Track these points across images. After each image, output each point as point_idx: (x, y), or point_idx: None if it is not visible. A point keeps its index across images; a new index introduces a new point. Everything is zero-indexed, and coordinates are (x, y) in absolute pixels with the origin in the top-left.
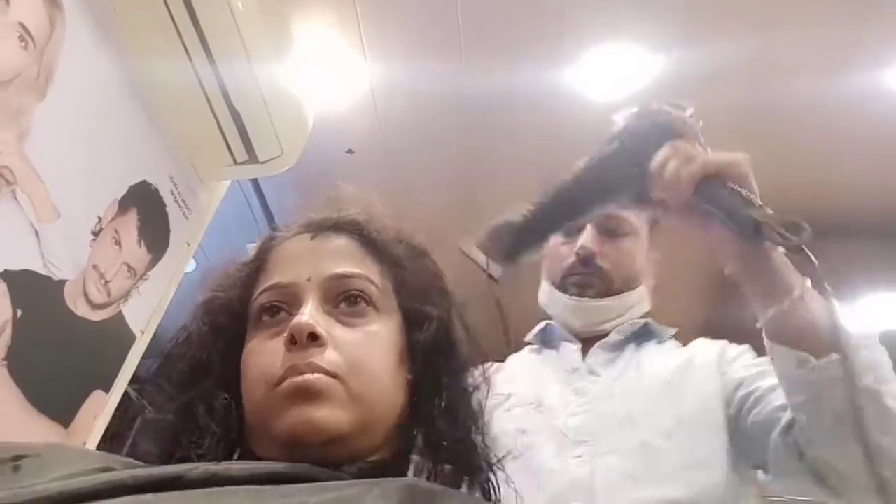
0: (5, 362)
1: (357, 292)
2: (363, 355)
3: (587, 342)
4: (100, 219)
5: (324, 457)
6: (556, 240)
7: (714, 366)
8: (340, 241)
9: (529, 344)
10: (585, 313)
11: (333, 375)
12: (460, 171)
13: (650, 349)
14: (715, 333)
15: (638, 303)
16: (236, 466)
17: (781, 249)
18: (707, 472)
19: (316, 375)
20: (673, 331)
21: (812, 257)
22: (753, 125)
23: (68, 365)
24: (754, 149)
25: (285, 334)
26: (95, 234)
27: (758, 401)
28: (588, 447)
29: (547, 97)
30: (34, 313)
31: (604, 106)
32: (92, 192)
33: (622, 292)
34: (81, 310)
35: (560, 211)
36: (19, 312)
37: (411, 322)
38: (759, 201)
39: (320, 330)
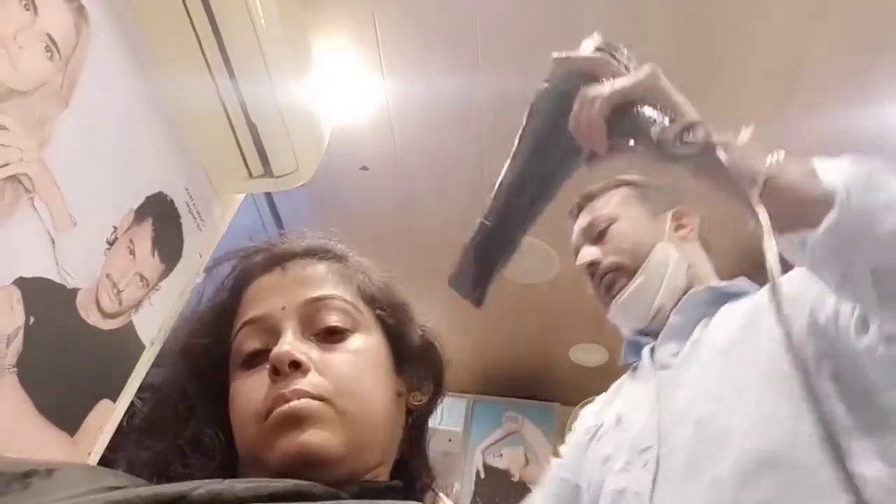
0: (15, 369)
1: (334, 317)
2: (348, 374)
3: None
4: (115, 228)
5: (321, 480)
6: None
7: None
8: (311, 268)
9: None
10: (630, 307)
11: (320, 398)
12: (475, 189)
13: (721, 315)
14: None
15: (667, 262)
16: (240, 485)
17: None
18: (780, 428)
19: (303, 401)
20: (743, 284)
21: (723, 154)
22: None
23: (77, 373)
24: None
25: (267, 366)
26: (110, 243)
27: (838, 305)
28: (652, 451)
29: None
30: (46, 321)
31: None
32: (108, 201)
33: (641, 266)
34: (93, 318)
35: (519, 210)
36: (31, 319)
37: (392, 335)
38: (679, 113)
39: (300, 356)
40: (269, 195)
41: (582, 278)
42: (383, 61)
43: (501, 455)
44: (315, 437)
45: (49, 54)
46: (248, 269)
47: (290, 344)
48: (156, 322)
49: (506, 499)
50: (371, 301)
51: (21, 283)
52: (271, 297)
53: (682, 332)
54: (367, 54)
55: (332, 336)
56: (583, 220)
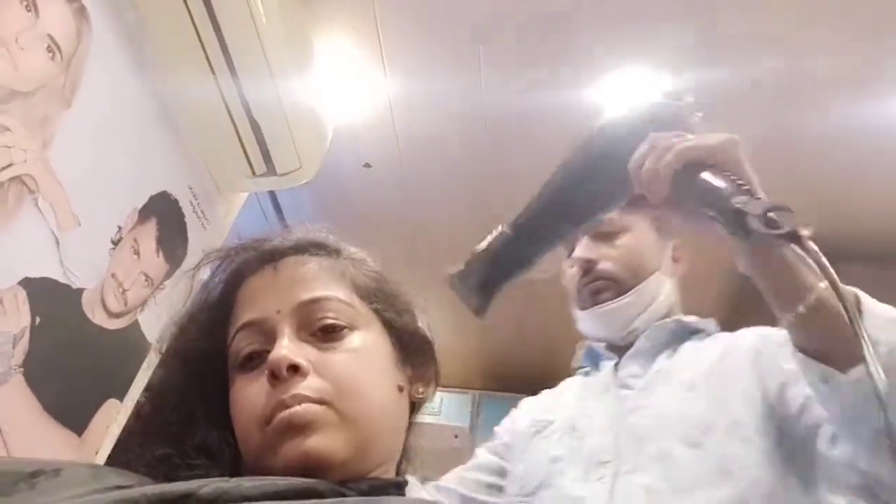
0: (22, 369)
1: (330, 316)
2: (348, 375)
3: (624, 352)
4: (119, 228)
5: (327, 480)
6: (564, 263)
7: (751, 362)
8: (302, 266)
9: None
10: (608, 319)
11: (321, 402)
12: (477, 186)
13: (687, 349)
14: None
15: (658, 293)
16: (247, 483)
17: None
18: (736, 483)
19: (304, 406)
20: (709, 323)
21: (811, 245)
22: (771, 150)
23: (84, 373)
24: (770, 174)
25: (266, 371)
26: (115, 243)
27: (809, 401)
28: (610, 467)
29: (565, 115)
30: (52, 321)
31: None
32: (112, 201)
33: (635, 287)
34: (98, 318)
35: (544, 230)
36: (37, 319)
37: (391, 328)
38: (752, 187)
39: (298, 360)
40: (272, 193)
41: (563, 263)
42: (385, 59)
43: None
44: (318, 443)
45: (51, 55)
46: (238, 268)
47: (287, 348)
48: (161, 321)
49: None
50: (366, 296)
51: (27, 283)
52: (265, 300)
53: (646, 356)
54: (369, 52)
55: (329, 335)
56: None
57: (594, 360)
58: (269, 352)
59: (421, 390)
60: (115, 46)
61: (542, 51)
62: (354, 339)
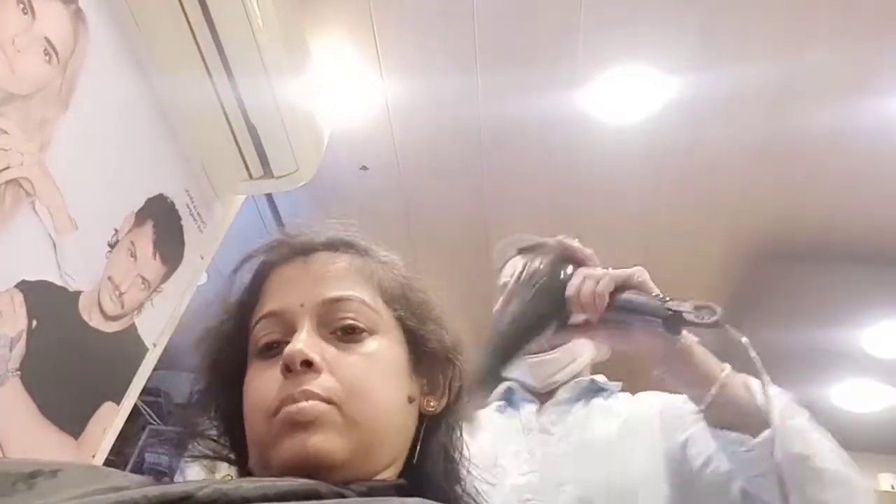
0: (19, 372)
1: (351, 317)
2: (360, 378)
3: (544, 399)
4: (116, 231)
5: (327, 481)
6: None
7: (656, 424)
8: (333, 263)
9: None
10: (538, 370)
11: (328, 401)
12: (474, 188)
13: (598, 405)
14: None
15: (581, 353)
16: (247, 485)
17: (696, 339)
18: None
19: (311, 403)
20: (618, 386)
21: (736, 333)
22: (770, 151)
23: (80, 376)
24: (771, 173)
25: (280, 362)
26: (112, 245)
27: (710, 459)
28: None
29: (562, 117)
30: (49, 324)
31: (619, 128)
32: (109, 203)
33: (564, 344)
34: (95, 321)
35: (502, 354)
36: (34, 323)
37: (412, 337)
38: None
39: (313, 356)
40: (269, 196)
41: (496, 292)
42: (381, 61)
43: None
44: (319, 442)
45: (47, 58)
46: (270, 258)
47: (304, 342)
48: (158, 324)
49: None
50: (391, 300)
51: (23, 286)
52: (291, 292)
53: (565, 406)
54: (366, 54)
55: (348, 336)
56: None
57: (511, 399)
58: (287, 343)
59: (432, 403)
60: (111, 49)
61: (538, 53)
62: (372, 344)
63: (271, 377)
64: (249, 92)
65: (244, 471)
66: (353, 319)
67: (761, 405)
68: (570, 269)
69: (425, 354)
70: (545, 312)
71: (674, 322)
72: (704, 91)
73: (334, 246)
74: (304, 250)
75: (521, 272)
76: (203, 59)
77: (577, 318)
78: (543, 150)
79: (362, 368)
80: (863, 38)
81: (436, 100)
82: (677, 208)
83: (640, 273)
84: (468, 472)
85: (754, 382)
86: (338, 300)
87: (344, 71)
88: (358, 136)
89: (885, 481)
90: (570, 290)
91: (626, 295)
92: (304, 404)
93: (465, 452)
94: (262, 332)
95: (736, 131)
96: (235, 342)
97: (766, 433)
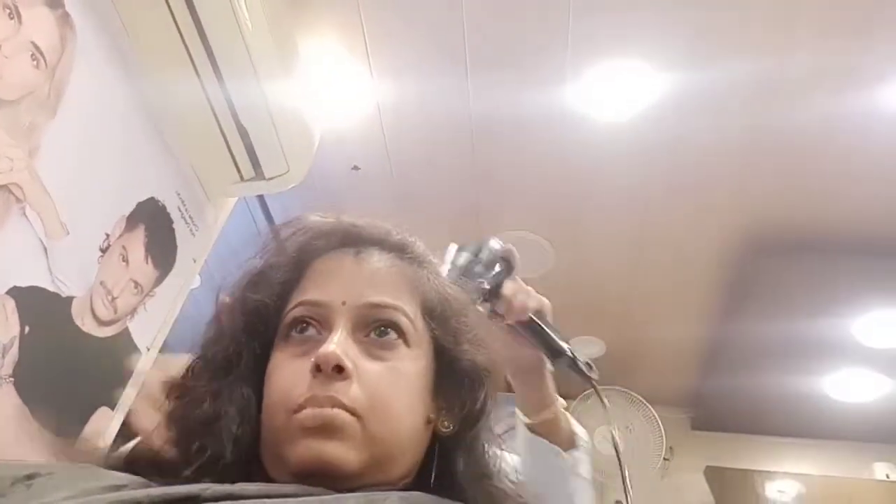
0: (12, 379)
1: (389, 324)
2: (386, 394)
3: None
4: (107, 235)
5: (334, 488)
6: None
7: None
8: (382, 264)
9: None
10: None
11: (352, 412)
12: (466, 187)
13: None
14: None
15: None
16: (251, 487)
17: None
18: None
19: (335, 411)
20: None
21: (602, 392)
22: (760, 144)
23: (74, 381)
24: (762, 166)
25: (311, 359)
26: (103, 250)
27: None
28: None
29: (553, 114)
30: (42, 330)
31: (610, 124)
32: (100, 208)
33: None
34: (88, 326)
35: None
36: (27, 329)
37: (443, 354)
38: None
39: (347, 363)
40: (261, 197)
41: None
42: (371, 61)
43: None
44: (335, 451)
45: (35, 63)
46: (321, 242)
47: (339, 346)
48: (152, 328)
49: None
50: (429, 314)
51: (15, 292)
52: (335, 285)
53: None
54: (356, 55)
55: (382, 346)
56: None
57: None
58: (318, 329)
59: (447, 424)
60: (99, 53)
61: (528, 51)
62: (402, 357)
63: (299, 371)
64: (239, 94)
65: (243, 471)
66: (392, 328)
67: (576, 432)
68: (501, 267)
69: (454, 373)
70: (476, 283)
71: (561, 358)
72: (695, 86)
73: (388, 246)
74: (359, 242)
75: (463, 259)
76: (192, 62)
77: (501, 309)
78: (535, 148)
79: (388, 382)
80: (852, 33)
81: (427, 98)
82: (668, 202)
83: (549, 306)
84: (505, 492)
85: (573, 421)
86: (381, 306)
87: (334, 71)
88: (349, 136)
89: (880, 470)
90: (507, 290)
91: (538, 319)
92: (328, 411)
93: (497, 469)
94: (299, 317)
95: (726, 126)
96: (269, 318)
97: (573, 452)
